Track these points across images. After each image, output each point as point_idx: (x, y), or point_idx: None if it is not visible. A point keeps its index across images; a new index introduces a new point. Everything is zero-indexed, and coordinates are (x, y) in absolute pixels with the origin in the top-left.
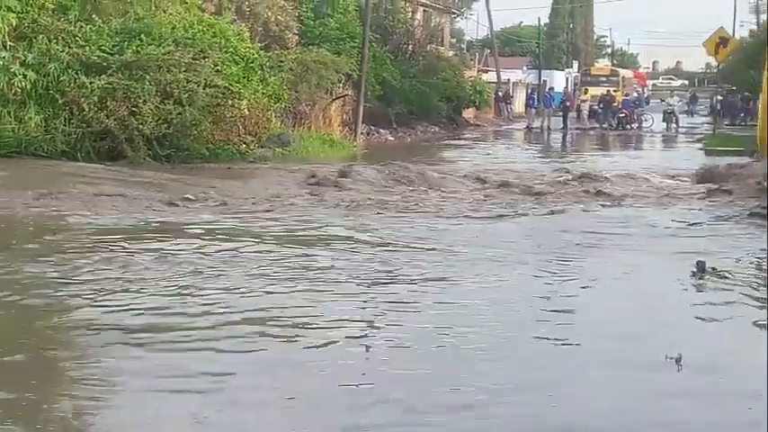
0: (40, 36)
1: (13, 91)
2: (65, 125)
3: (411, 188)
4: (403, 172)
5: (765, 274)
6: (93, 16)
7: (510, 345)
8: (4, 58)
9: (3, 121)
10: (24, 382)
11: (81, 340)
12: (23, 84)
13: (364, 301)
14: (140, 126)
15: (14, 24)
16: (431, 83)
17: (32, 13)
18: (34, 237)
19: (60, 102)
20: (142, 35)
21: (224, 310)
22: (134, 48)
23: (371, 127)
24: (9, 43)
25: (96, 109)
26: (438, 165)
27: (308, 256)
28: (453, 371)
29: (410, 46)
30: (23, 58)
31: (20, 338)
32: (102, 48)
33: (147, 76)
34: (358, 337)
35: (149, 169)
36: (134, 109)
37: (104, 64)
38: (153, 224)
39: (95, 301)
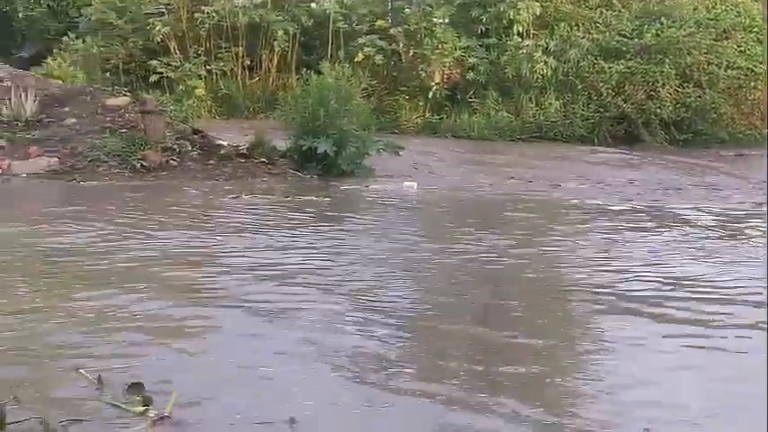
0: (562, 23)
1: (535, 78)
2: (582, 110)
3: None
4: None
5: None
6: (614, 1)
7: None
8: (527, 46)
9: (525, 106)
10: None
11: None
12: (545, 70)
13: None
14: (658, 110)
15: (538, 13)
16: None
17: (555, 1)
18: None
19: (579, 87)
20: (662, 18)
21: None
22: (654, 31)
23: None
24: (532, 32)
25: (614, 93)
26: None
27: None
28: None
29: None
30: (545, 45)
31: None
32: (622, 32)
33: (667, 60)
34: None
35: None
36: (651, 93)
37: (623, 48)
38: None
39: None
